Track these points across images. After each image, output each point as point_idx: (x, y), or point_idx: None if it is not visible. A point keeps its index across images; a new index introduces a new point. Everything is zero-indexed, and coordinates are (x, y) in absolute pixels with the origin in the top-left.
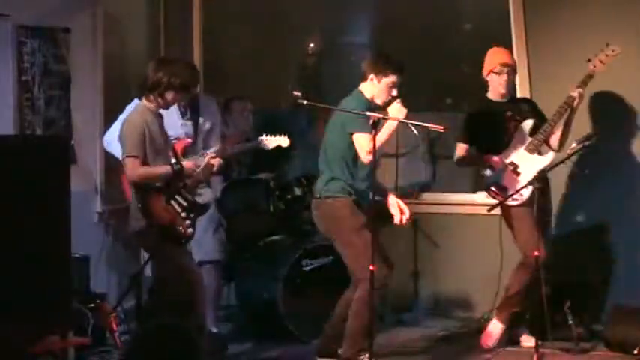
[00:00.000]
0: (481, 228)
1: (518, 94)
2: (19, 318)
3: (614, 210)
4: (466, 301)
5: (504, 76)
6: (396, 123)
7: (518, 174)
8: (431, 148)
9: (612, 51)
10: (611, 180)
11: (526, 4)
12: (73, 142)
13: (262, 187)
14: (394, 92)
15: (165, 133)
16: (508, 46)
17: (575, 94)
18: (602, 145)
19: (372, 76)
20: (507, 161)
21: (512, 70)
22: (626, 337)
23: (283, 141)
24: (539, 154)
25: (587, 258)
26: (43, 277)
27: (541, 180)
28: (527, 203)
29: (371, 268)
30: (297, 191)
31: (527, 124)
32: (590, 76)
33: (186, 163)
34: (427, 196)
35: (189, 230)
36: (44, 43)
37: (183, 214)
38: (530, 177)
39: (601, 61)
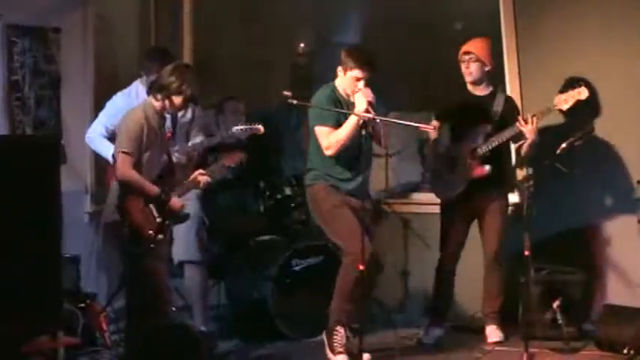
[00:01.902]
0: (471, 228)
1: (508, 87)
2: (10, 318)
3: (604, 209)
4: (457, 301)
5: (465, 64)
6: (355, 117)
7: (454, 173)
8: (421, 148)
9: (579, 93)
10: (601, 179)
11: (516, 3)
12: (63, 142)
13: (252, 186)
14: (360, 85)
15: (165, 133)
16: (498, 45)
17: (521, 123)
18: (591, 145)
19: (340, 68)
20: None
21: (475, 58)
22: (617, 336)
23: (257, 129)
24: (481, 162)
25: (577, 257)
26: (33, 277)
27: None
28: (455, 203)
29: (361, 267)
30: (288, 191)
31: (485, 129)
32: (549, 110)
33: (173, 201)
34: (417, 196)
35: (160, 236)
36: (34, 42)
37: (158, 219)
38: (461, 181)
39: (565, 100)
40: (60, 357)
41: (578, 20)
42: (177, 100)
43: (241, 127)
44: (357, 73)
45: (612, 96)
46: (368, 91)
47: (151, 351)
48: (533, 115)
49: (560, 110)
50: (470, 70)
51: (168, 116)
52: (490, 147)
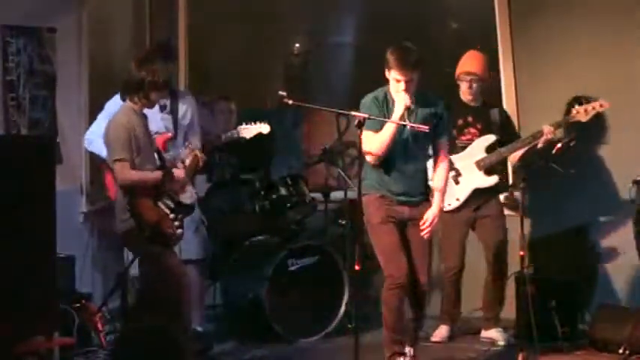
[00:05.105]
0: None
1: (504, 95)
2: (4, 318)
3: (599, 209)
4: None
5: (466, 84)
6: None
7: (457, 182)
8: None
9: (601, 106)
10: (596, 179)
11: (511, 5)
12: (58, 142)
13: (248, 186)
14: (400, 87)
15: (150, 133)
16: (494, 47)
17: (546, 130)
18: (586, 145)
19: (385, 68)
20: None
21: (477, 79)
22: (611, 336)
23: (264, 127)
24: (487, 173)
25: (572, 258)
26: (28, 277)
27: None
28: (456, 212)
29: (357, 267)
30: (283, 191)
31: (488, 139)
32: (567, 122)
33: (176, 171)
34: None
35: (179, 231)
36: (29, 43)
37: (171, 215)
38: (465, 190)
39: (585, 111)
40: (55, 357)
41: (573, 30)
42: (154, 94)
43: (246, 126)
44: (394, 74)
45: (607, 96)
46: (406, 95)
47: (135, 353)
48: (552, 125)
49: (579, 121)
50: (472, 91)
51: (168, 117)
52: (500, 158)
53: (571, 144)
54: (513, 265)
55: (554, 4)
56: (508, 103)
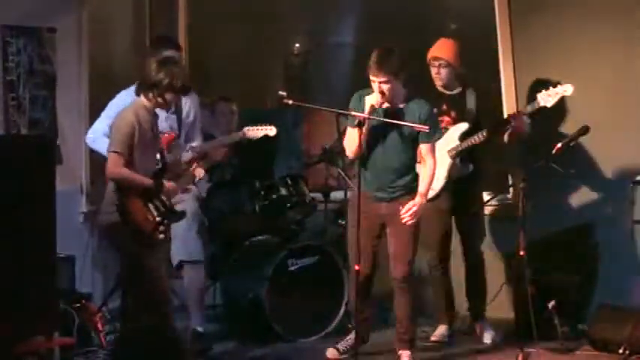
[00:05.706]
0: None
1: (504, 95)
2: (4, 318)
3: (598, 209)
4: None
5: (435, 70)
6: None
7: None
8: None
9: (565, 90)
10: (596, 179)
11: (511, 5)
12: (58, 142)
13: (248, 187)
14: (374, 87)
15: (157, 132)
16: (494, 47)
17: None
18: (585, 145)
19: None
20: None
21: (445, 64)
22: (611, 336)
23: (270, 130)
24: (461, 162)
25: (572, 257)
26: (28, 277)
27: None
28: (434, 200)
29: (356, 268)
30: (283, 191)
31: (460, 128)
32: (533, 108)
33: (168, 184)
34: None
35: (161, 236)
36: (29, 42)
37: (157, 219)
38: (439, 180)
39: (549, 97)
40: (55, 357)
41: (573, 30)
42: (169, 96)
43: (251, 128)
44: (371, 76)
45: (607, 96)
46: (377, 95)
47: (135, 353)
48: (518, 112)
49: (545, 107)
50: (440, 76)
51: (173, 117)
52: (470, 145)
53: (571, 144)
54: (514, 265)
55: (554, 3)
56: (508, 102)
